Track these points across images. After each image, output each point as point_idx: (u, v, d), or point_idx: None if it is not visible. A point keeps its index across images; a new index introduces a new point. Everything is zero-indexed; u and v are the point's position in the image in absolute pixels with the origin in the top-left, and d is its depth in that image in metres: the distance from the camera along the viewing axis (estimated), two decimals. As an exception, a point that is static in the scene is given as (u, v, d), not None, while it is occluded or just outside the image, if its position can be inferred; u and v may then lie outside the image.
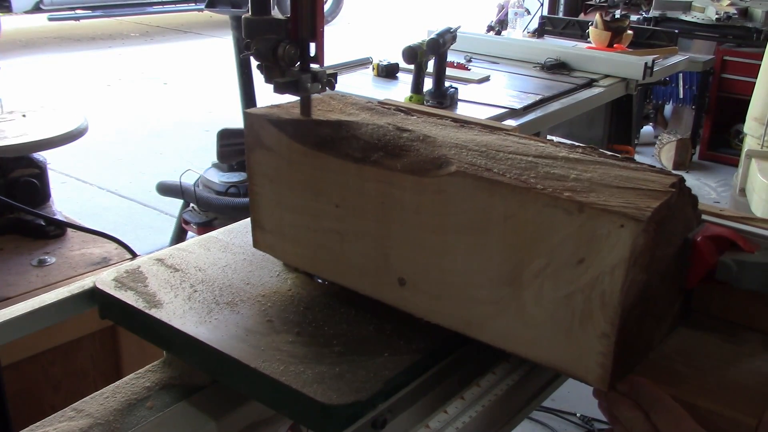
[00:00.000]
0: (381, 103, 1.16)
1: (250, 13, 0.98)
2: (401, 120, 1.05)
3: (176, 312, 0.99)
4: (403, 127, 0.99)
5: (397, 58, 2.58)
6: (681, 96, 5.47)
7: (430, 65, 2.42)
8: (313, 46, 1.00)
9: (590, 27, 3.76)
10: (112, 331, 1.67)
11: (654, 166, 0.89)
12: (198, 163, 2.97)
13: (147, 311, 0.99)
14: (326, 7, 7.39)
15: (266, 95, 1.16)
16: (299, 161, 1.00)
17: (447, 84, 2.46)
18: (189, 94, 6.54)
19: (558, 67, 3.07)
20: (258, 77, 1.17)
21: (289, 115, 1.03)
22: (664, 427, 0.79)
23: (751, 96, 3.17)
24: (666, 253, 0.83)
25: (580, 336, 0.80)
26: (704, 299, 0.97)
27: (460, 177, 0.85)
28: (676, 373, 0.86)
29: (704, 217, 0.92)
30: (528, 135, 1.03)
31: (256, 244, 1.12)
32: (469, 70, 2.97)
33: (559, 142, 0.98)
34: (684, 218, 0.86)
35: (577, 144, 0.97)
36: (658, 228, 0.77)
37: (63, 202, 3.03)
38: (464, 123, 1.06)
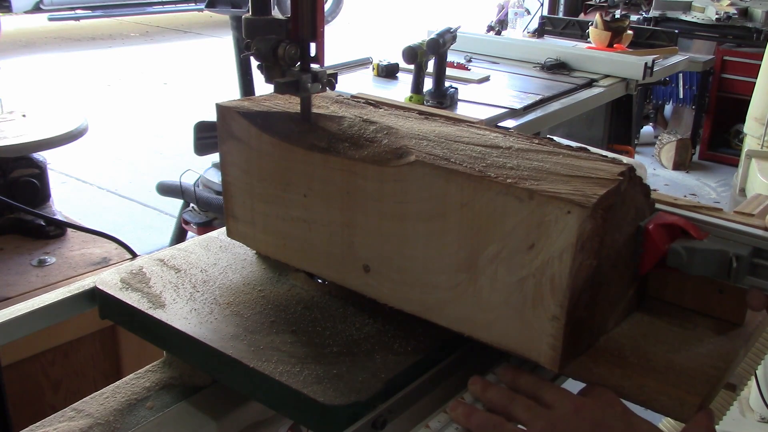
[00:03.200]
0: (353, 96, 1.18)
1: (250, 13, 0.98)
2: (368, 113, 1.08)
3: (176, 312, 0.99)
4: (369, 119, 1.03)
5: (397, 58, 2.58)
6: (681, 96, 5.47)
7: (430, 65, 2.42)
8: (313, 46, 1.00)
9: (590, 27, 3.76)
10: (112, 331, 1.67)
11: (606, 156, 0.91)
12: (198, 163, 2.96)
13: (147, 311, 0.99)
14: (326, 7, 7.40)
15: (266, 95, 1.16)
16: (268, 152, 1.03)
17: (447, 84, 2.46)
18: (189, 94, 6.54)
19: (558, 67, 3.07)
20: (258, 77, 1.17)
21: (258, 107, 1.07)
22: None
23: (751, 96, 3.17)
24: (617, 239, 0.85)
25: (532, 319, 0.83)
26: (659, 286, 0.99)
27: (418, 166, 0.88)
28: (626, 355, 0.88)
29: (658, 205, 0.94)
30: (488, 127, 1.06)
31: (230, 233, 1.15)
32: (469, 70, 2.97)
33: (518, 134, 1.01)
34: (635, 206, 0.88)
35: (533, 135, 1.00)
36: (606, 214, 0.79)
37: (63, 202, 3.03)
38: (428, 115, 1.09)
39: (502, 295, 0.85)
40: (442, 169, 0.86)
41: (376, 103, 1.15)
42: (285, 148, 1.01)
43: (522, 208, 0.80)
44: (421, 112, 1.11)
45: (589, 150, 0.94)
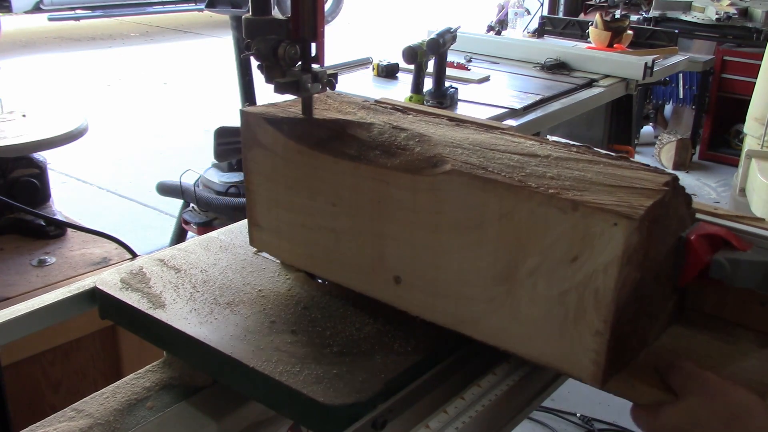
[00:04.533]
0: (378, 102, 1.16)
1: (250, 13, 0.98)
2: (397, 119, 1.06)
3: (176, 312, 0.99)
4: (399, 126, 1.00)
5: (397, 58, 2.58)
6: (681, 96, 5.47)
7: (430, 65, 2.42)
8: (313, 46, 1.00)
9: (590, 27, 3.76)
10: (112, 331, 1.67)
11: (648, 165, 0.89)
12: (198, 163, 2.96)
13: (147, 312, 0.99)
14: (326, 7, 7.39)
15: (266, 95, 1.17)
16: (295, 160, 1.01)
17: (447, 84, 2.46)
18: (189, 94, 6.54)
19: (558, 67, 3.07)
20: (258, 77, 1.17)
21: (285, 114, 1.04)
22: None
23: (751, 96, 3.17)
24: (660, 251, 0.83)
25: (573, 334, 0.81)
26: (698, 298, 0.97)
27: (455, 175, 0.86)
28: None
29: (698, 215, 0.93)
30: (523, 134, 1.03)
31: (253, 242, 1.13)
32: (469, 70, 2.97)
33: (555, 141, 0.99)
34: (678, 217, 0.86)
35: (572, 143, 0.98)
36: (652, 226, 0.77)
37: (63, 202, 3.03)
38: (460, 122, 1.07)
39: (542, 309, 0.82)
40: (480, 178, 0.84)
41: (404, 109, 1.12)
42: (312, 155, 0.98)
43: (565, 219, 0.78)
44: (451, 119, 1.08)
45: (629, 159, 0.91)
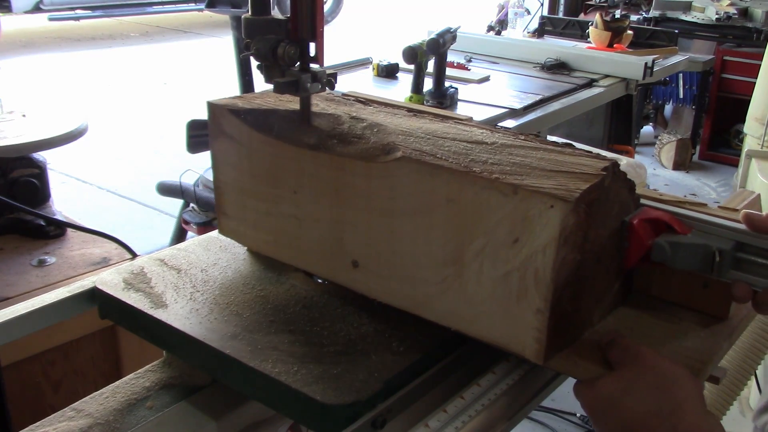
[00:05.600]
0: (344, 95, 1.19)
1: (250, 13, 0.98)
2: (358, 110, 1.09)
3: (176, 312, 0.99)
4: (358, 116, 1.04)
5: (397, 58, 2.58)
6: (681, 96, 5.47)
7: (430, 65, 2.42)
8: (312, 45, 1.00)
9: (590, 27, 3.76)
10: (112, 331, 1.67)
11: (591, 152, 0.92)
12: (198, 163, 2.96)
13: (147, 311, 0.99)
14: (326, 7, 7.39)
15: (266, 95, 1.16)
16: (259, 149, 1.04)
17: (447, 84, 2.46)
18: (189, 94, 6.54)
19: (558, 67, 3.07)
20: (258, 77, 1.18)
21: (250, 105, 1.08)
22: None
23: (751, 96, 3.17)
24: (601, 234, 0.86)
25: (517, 313, 0.84)
26: (645, 280, 1.00)
27: (405, 162, 0.90)
28: None
29: (643, 201, 0.95)
30: (475, 123, 1.07)
31: (221, 229, 1.16)
32: (469, 70, 2.97)
33: (505, 130, 1.02)
34: (620, 201, 0.89)
35: (519, 132, 1.02)
36: (589, 209, 0.81)
37: (63, 202, 3.03)
38: (417, 112, 1.11)
39: (488, 289, 0.86)
40: (428, 164, 0.88)
41: (366, 101, 1.16)
42: (275, 145, 1.02)
43: (506, 202, 0.82)
44: (409, 110, 1.12)
45: (574, 146, 0.95)
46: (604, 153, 2.60)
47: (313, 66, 1.01)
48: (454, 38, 2.45)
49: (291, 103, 1.10)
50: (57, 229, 1.85)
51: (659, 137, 5.45)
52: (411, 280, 0.93)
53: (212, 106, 1.09)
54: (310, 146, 0.99)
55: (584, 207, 0.80)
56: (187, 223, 2.87)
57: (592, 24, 3.75)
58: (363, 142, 0.97)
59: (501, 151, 0.91)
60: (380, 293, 0.98)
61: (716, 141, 5.41)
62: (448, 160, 0.88)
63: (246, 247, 1.16)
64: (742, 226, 0.87)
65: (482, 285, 0.86)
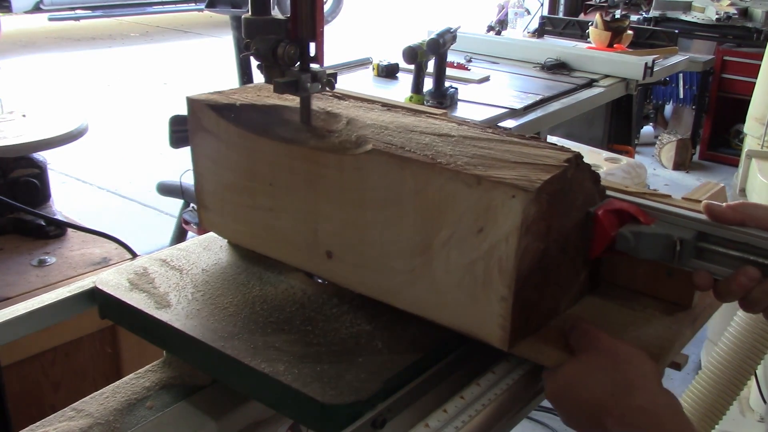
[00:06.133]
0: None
1: (250, 13, 0.98)
2: (333, 105, 1.12)
3: (176, 312, 0.99)
4: (332, 111, 1.07)
5: (397, 58, 2.58)
6: (681, 96, 5.47)
7: (430, 65, 2.42)
8: (312, 45, 1.00)
9: (590, 27, 3.76)
10: (112, 331, 1.67)
11: (556, 145, 0.94)
12: (198, 163, 2.96)
13: (147, 311, 0.99)
14: (326, 7, 7.39)
15: (266, 95, 1.17)
16: (236, 143, 1.06)
17: (447, 84, 2.46)
18: (189, 94, 6.52)
19: (558, 67, 3.07)
20: (258, 77, 1.18)
21: (227, 101, 1.10)
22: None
23: (751, 96, 3.16)
24: (565, 224, 0.89)
25: (482, 300, 0.87)
26: (612, 270, 1.02)
27: (375, 155, 0.92)
28: None
29: (609, 192, 0.97)
30: (446, 117, 1.09)
31: (202, 223, 1.19)
32: (469, 70, 2.97)
33: (474, 124, 1.05)
34: (584, 192, 0.91)
35: (488, 125, 1.04)
36: (552, 199, 0.83)
37: (63, 202, 3.03)
38: (391, 107, 1.13)
39: (455, 277, 0.88)
40: (397, 157, 0.90)
41: (342, 96, 1.18)
42: (251, 139, 1.05)
43: (471, 193, 0.84)
44: (384, 104, 1.15)
45: (538, 138, 0.97)
46: (599, 151, 2.60)
47: (313, 66, 1.01)
48: (454, 38, 2.45)
49: (268, 98, 1.13)
50: (57, 229, 1.85)
51: (659, 137, 5.45)
52: (382, 270, 0.96)
53: (191, 102, 1.12)
54: (284, 140, 1.01)
55: (546, 197, 0.82)
56: (187, 223, 2.87)
57: (592, 24, 3.75)
58: (336, 135, 0.99)
59: (468, 144, 0.94)
60: (353, 283, 1.00)
61: (716, 141, 5.40)
62: (416, 153, 0.90)
63: (247, 247, 1.16)
64: (704, 217, 0.88)
65: (450, 274, 0.89)
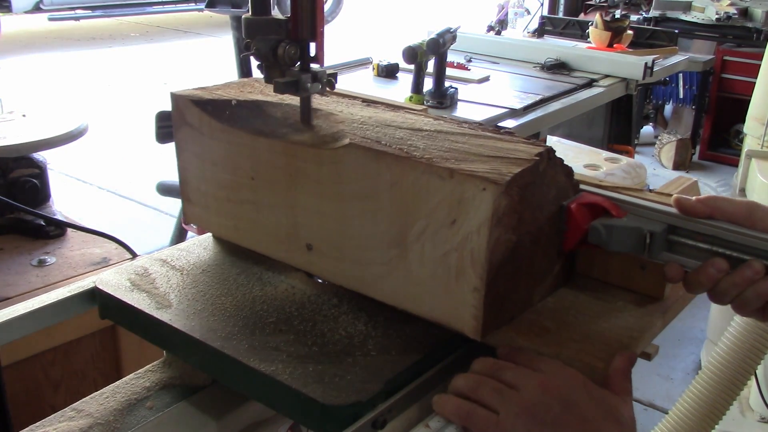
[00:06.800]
0: None
1: (250, 13, 0.98)
2: (315, 101, 1.12)
3: (176, 312, 0.99)
4: (313, 107, 1.08)
5: (397, 58, 2.58)
6: (681, 96, 5.47)
7: (430, 65, 2.42)
8: (313, 45, 1.00)
9: (590, 27, 3.76)
10: (112, 331, 1.67)
11: (529, 139, 0.96)
12: (198, 163, 2.96)
13: (147, 311, 0.99)
14: (326, 7, 7.39)
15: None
16: (219, 138, 1.09)
17: (447, 84, 2.46)
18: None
19: (558, 67, 3.07)
20: (258, 77, 1.19)
21: (210, 96, 1.12)
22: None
23: (751, 96, 3.16)
24: (537, 216, 0.90)
25: (456, 291, 0.88)
26: (586, 263, 1.04)
27: (352, 148, 0.94)
28: (548, 326, 0.94)
29: (583, 186, 0.99)
30: (424, 113, 1.11)
31: (186, 216, 1.21)
32: (469, 70, 2.97)
33: (451, 119, 1.07)
34: (556, 186, 0.93)
35: (464, 121, 1.06)
36: (523, 192, 0.85)
37: (63, 202, 3.03)
38: (371, 102, 1.16)
39: (430, 268, 0.90)
40: (373, 150, 0.92)
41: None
42: (233, 133, 1.07)
43: (443, 186, 0.86)
44: (364, 100, 1.17)
45: (512, 132, 0.99)
46: (600, 150, 2.60)
47: (314, 66, 1.01)
48: (454, 38, 2.45)
49: (251, 94, 1.15)
50: (57, 229, 1.85)
51: (659, 137, 5.44)
52: (360, 262, 0.98)
53: (175, 97, 1.14)
54: (265, 134, 1.03)
55: (517, 190, 0.84)
56: (187, 223, 2.87)
57: (592, 24, 3.75)
58: (314, 130, 1.02)
59: (442, 138, 0.96)
60: (333, 275, 1.03)
61: (716, 141, 5.40)
62: (392, 147, 0.92)
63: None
64: (674, 210, 0.90)
65: (424, 265, 0.90)
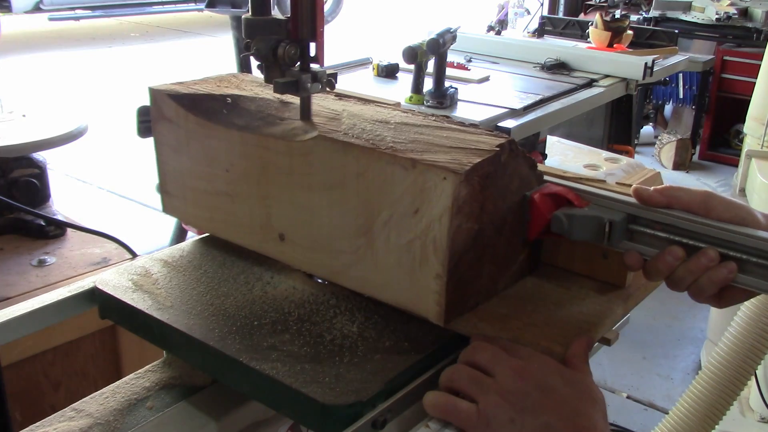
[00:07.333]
0: None
1: (250, 13, 0.98)
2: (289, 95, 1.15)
3: (176, 312, 0.99)
4: (286, 100, 1.11)
5: (397, 58, 2.58)
6: (681, 96, 5.47)
7: (430, 65, 2.42)
8: (313, 46, 1.00)
9: (590, 27, 3.76)
10: (112, 331, 1.67)
11: (493, 131, 0.98)
12: (198, 163, 2.96)
13: (147, 311, 0.99)
14: (326, 7, 7.39)
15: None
16: (195, 131, 1.11)
17: (447, 84, 2.46)
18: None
19: (558, 67, 3.07)
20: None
21: (186, 90, 1.15)
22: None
23: (751, 96, 3.16)
24: (500, 206, 0.93)
25: (420, 278, 0.91)
26: (552, 253, 1.07)
27: (321, 140, 0.97)
28: (510, 313, 0.96)
29: (546, 177, 1.01)
30: (392, 106, 1.14)
31: (164, 208, 1.23)
32: (469, 70, 2.97)
33: (417, 112, 1.10)
34: (519, 176, 0.95)
35: (430, 114, 1.08)
36: (484, 181, 0.88)
37: (63, 202, 3.03)
38: (343, 96, 1.19)
39: (395, 256, 0.93)
40: (340, 142, 0.95)
41: None
42: (209, 126, 1.09)
43: (407, 176, 0.89)
44: (337, 95, 1.19)
45: (476, 125, 1.01)
46: (593, 149, 2.60)
47: (314, 66, 1.01)
48: (454, 38, 2.45)
49: (227, 88, 1.17)
50: (57, 229, 1.85)
51: (659, 137, 5.45)
52: (329, 251, 1.00)
53: (153, 92, 1.16)
54: (238, 127, 1.06)
55: (478, 179, 0.87)
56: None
57: (592, 24, 3.75)
58: (285, 123, 1.04)
59: (408, 130, 0.99)
60: (304, 264, 1.05)
61: (716, 141, 5.41)
62: (359, 138, 0.95)
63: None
64: (634, 200, 0.92)
65: (390, 253, 0.93)
